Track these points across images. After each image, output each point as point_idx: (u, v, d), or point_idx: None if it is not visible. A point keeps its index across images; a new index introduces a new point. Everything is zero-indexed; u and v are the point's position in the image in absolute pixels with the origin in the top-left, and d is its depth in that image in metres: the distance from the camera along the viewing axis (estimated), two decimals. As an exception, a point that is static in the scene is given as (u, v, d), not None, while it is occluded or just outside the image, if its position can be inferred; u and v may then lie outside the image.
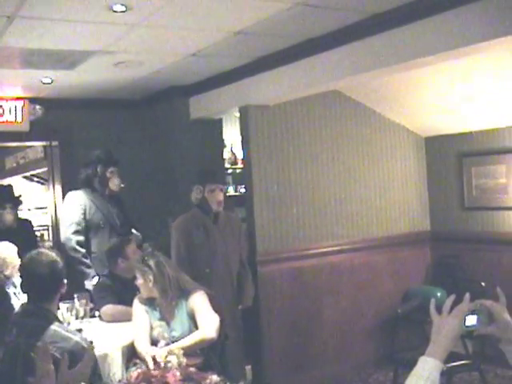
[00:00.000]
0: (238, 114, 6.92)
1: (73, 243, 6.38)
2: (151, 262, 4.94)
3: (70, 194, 6.74)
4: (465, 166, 7.30)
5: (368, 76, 5.48)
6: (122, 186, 6.74)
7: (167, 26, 4.91)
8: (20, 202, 7.01)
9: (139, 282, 4.97)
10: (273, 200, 6.60)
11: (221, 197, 6.02)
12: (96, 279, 6.02)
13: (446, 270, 7.44)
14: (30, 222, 7.30)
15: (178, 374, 3.30)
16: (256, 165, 6.53)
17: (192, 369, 3.42)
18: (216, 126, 7.70)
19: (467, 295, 2.47)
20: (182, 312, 4.89)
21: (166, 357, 4.19)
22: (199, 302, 4.91)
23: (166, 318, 4.91)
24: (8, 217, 6.69)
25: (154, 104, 8.01)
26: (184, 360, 4.12)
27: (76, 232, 6.45)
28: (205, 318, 4.82)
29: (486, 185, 7.13)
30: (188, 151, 7.39)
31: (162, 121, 7.89)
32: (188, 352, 4.57)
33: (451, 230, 7.51)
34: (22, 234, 6.58)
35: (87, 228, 6.54)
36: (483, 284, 6.53)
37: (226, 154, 8.55)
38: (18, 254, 5.59)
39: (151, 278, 4.90)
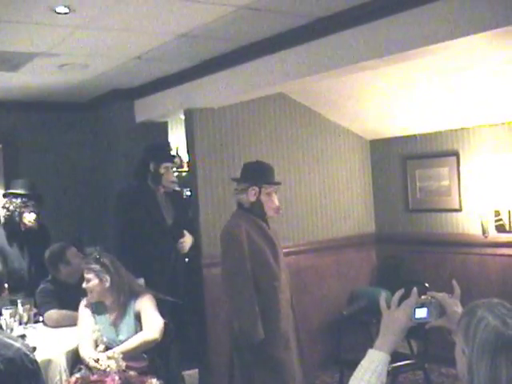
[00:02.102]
0: (183, 117, 6.89)
1: None
2: (107, 261, 4.87)
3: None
4: (409, 169, 7.38)
5: (313, 79, 5.50)
6: (176, 181, 6.46)
7: (111, 28, 4.87)
8: (42, 201, 6.37)
9: (93, 283, 4.82)
10: (218, 203, 6.59)
11: (277, 201, 5.13)
12: None
13: (391, 271, 7.50)
14: (47, 227, 6.62)
15: (116, 378, 3.28)
16: (201, 168, 6.52)
17: (132, 372, 3.41)
18: (161, 129, 7.66)
19: (415, 289, 2.51)
20: (130, 315, 4.84)
21: (98, 360, 4.17)
22: (146, 304, 4.87)
23: (114, 321, 4.86)
24: (30, 217, 6.17)
25: (99, 107, 7.96)
26: (123, 364, 4.09)
27: None
28: (149, 320, 4.78)
29: (430, 187, 7.21)
30: (133, 154, 7.34)
31: (107, 124, 7.84)
32: (132, 355, 4.56)
33: (396, 232, 7.58)
34: (41, 239, 6.17)
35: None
36: (427, 285, 6.59)
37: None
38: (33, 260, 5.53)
39: (108, 277, 4.82)
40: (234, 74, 5.96)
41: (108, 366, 4.21)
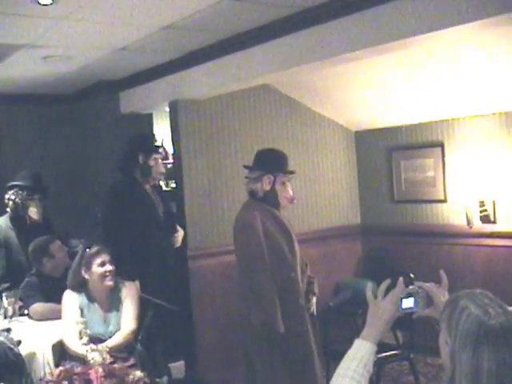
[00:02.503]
0: (168, 109, 6.88)
1: None
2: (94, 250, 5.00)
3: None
4: (394, 160, 7.39)
5: (298, 70, 5.50)
6: (164, 172, 6.16)
7: (95, 19, 4.84)
8: (48, 193, 6.29)
9: (113, 267, 4.96)
10: (203, 195, 6.59)
11: (291, 191, 4.95)
12: None
13: (377, 262, 7.53)
14: (51, 220, 6.57)
15: (100, 370, 3.28)
16: (186, 160, 6.51)
17: (116, 365, 3.41)
18: (146, 121, 7.65)
19: (401, 279, 2.52)
20: (118, 306, 4.92)
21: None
22: (129, 294, 5.00)
23: (104, 312, 4.92)
24: (36, 210, 6.13)
25: (83, 99, 7.92)
26: (108, 356, 4.10)
27: None
28: (128, 312, 4.92)
29: (415, 178, 7.22)
30: (118, 146, 7.31)
31: (92, 116, 7.81)
32: (119, 348, 4.61)
33: (381, 223, 7.60)
34: (46, 233, 6.00)
35: None
36: (412, 275, 6.60)
37: (157, 149, 8.50)
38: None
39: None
40: (218, 65, 5.95)
41: (92, 358, 4.23)
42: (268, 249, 4.67)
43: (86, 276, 4.93)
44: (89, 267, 4.93)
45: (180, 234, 6.07)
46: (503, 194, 6.25)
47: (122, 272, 5.12)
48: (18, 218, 6.09)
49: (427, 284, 2.55)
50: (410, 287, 2.52)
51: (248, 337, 4.83)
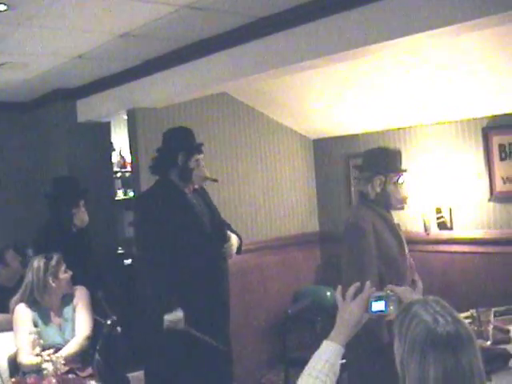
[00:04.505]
0: (125, 117, 6.85)
1: None
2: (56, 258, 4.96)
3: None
4: (352, 168, 7.41)
5: (255, 78, 5.51)
6: (207, 177, 5.16)
7: (52, 26, 4.80)
8: (88, 196, 6.05)
9: (65, 275, 4.95)
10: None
11: (405, 191, 4.56)
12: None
13: (336, 269, 7.52)
14: None
15: (54, 381, 3.24)
16: (144, 168, 6.45)
17: (70, 375, 3.38)
18: (104, 130, 7.60)
19: (368, 283, 2.54)
20: (71, 313, 4.89)
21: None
22: (80, 301, 4.99)
23: (59, 321, 4.88)
24: (84, 216, 5.92)
25: (40, 107, 7.85)
26: (62, 366, 4.06)
27: None
28: (81, 319, 4.91)
29: (373, 185, 7.25)
30: (75, 155, 7.26)
31: (49, 124, 7.74)
32: (74, 358, 4.57)
33: (340, 231, 7.54)
34: (86, 238, 5.99)
35: None
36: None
37: (115, 158, 8.46)
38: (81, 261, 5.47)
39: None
40: (176, 73, 5.94)
41: (45, 368, 4.18)
42: (379, 255, 4.29)
43: (54, 284, 4.88)
44: (56, 275, 4.90)
45: (233, 242, 5.07)
46: (460, 201, 6.30)
47: (170, 305, 4.64)
48: None
49: (400, 288, 2.56)
50: (383, 290, 2.55)
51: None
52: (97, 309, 5.14)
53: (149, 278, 4.76)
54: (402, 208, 4.60)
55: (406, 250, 4.52)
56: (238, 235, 5.23)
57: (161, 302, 4.66)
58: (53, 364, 4.12)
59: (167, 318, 4.60)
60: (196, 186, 5.07)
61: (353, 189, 7.41)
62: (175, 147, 4.96)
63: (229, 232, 5.06)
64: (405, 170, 4.53)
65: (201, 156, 5.00)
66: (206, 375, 4.79)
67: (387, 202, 4.45)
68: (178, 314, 4.60)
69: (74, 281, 5.11)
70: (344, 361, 4.45)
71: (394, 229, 4.46)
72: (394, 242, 4.41)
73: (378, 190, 4.40)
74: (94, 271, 5.99)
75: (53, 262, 4.93)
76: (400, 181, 4.46)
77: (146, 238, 4.86)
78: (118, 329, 5.28)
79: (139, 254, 5.03)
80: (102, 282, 5.91)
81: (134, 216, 5.19)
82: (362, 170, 4.54)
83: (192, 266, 4.76)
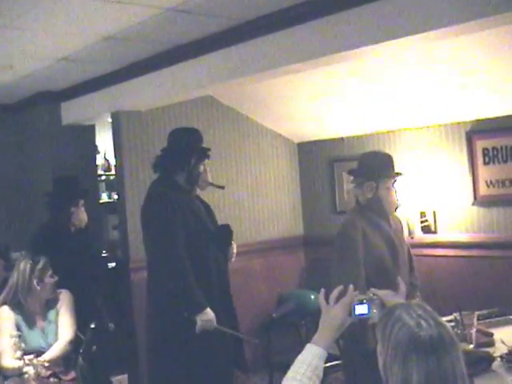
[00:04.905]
0: (110, 120, 6.83)
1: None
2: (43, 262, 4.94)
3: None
4: (336, 171, 7.43)
5: (240, 82, 5.52)
6: (210, 182, 5.05)
7: (36, 29, 4.77)
8: (88, 196, 6.01)
9: (51, 280, 4.92)
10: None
11: (396, 196, 4.48)
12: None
13: (320, 273, 7.54)
14: None
15: (34, 385, 3.23)
16: (128, 171, 6.46)
17: (52, 379, 3.36)
18: (88, 132, 7.57)
19: (351, 286, 2.54)
20: (54, 316, 4.86)
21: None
22: (63, 304, 4.97)
23: (42, 325, 4.84)
24: (83, 216, 5.86)
25: (24, 109, 7.81)
26: (43, 370, 4.04)
27: None
28: (64, 322, 4.88)
29: (357, 189, 7.27)
30: (60, 157, 7.23)
31: (33, 126, 7.70)
32: (57, 362, 4.55)
33: (324, 234, 7.62)
34: (87, 239, 5.93)
35: None
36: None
37: (99, 161, 8.44)
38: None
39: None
40: (161, 76, 5.93)
41: (26, 372, 4.15)
42: (367, 262, 4.22)
43: (38, 287, 4.85)
44: (41, 279, 4.88)
45: (234, 246, 5.06)
46: (443, 205, 6.33)
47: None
48: None
49: (382, 291, 2.57)
50: (366, 294, 2.55)
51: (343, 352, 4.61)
52: (96, 314, 5.30)
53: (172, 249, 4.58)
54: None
55: (402, 258, 4.47)
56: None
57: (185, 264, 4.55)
58: (34, 368, 4.10)
59: (200, 318, 4.51)
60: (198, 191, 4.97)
61: (337, 192, 7.43)
62: (188, 149, 4.82)
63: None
64: (398, 174, 4.48)
65: (208, 161, 4.94)
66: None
67: (380, 208, 4.40)
68: (209, 314, 4.53)
69: (70, 282, 5.12)
70: (328, 364, 4.47)
71: (386, 235, 4.40)
72: (385, 250, 4.34)
73: (370, 195, 4.36)
74: (92, 273, 5.94)
75: (39, 265, 4.91)
76: (392, 186, 4.42)
77: (169, 226, 4.63)
78: (111, 325, 5.30)
79: (157, 243, 4.73)
80: (100, 285, 5.89)
81: (146, 214, 4.88)
82: (355, 174, 4.52)
83: (197, 267, 4.64)
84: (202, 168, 4.84)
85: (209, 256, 4.74)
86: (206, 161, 4.91)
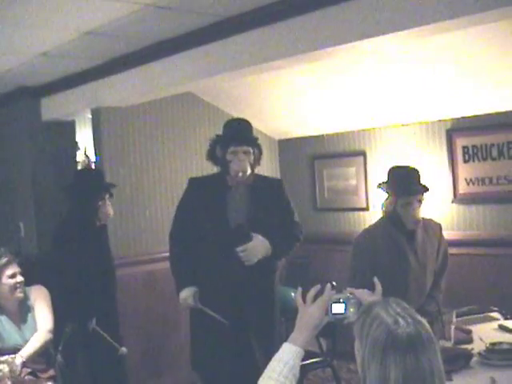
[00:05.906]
0: (90, 116, 6.80)
1: None
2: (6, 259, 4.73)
3: None
4: (317, 168, 7.45)
5: (220, 78, 5.51)
6: (245, 172, 4.64)
7: (15, 23, 4.73)
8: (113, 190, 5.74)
9: (21, 279, 4.70)
10: (126, 203, 6.52)
11: (419, 212, 4.41)
12: None
13: (299, 270, 7.55)
14: None
15: (8, 383, 3.20)
16: (108, 167, 6.44)
17: (27, 377, 3.33)
18: (69, 128, 7.53)
19: (328, 285, 2.54)
20: (30, 311, 4.77)
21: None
22: (38, 297, 4.82)
23: (18, 321, 4.72)
24: (110, 210, 5.58)
25: (3, 105, 7.74)
26: (18, 368, 4.00)
27: None
28: (41, 316, 4.75)
29: (337, 186, 7.30)
30: (39, 153, 7.18)
31: (12, 123, 7.65)
32: (35, 359, 4.50)
33: (304, 231, 7.62)
34: (105, 235, 5.72)
35: None
36: (335, 283, 6.65)
37: (80, 157, 8.40)
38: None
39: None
40: (142, 72, 5.91)
41: (0, 370, 4.10)
42: (374, 273, 3.69)
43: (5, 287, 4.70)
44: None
45: (251, 246, 4.56)
46: (424, 202, 6.34)
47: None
48: None
49: (359, 290, 2.57)
50: (343, 293, 2.55)
51: None
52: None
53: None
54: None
55: (413, 275, 4.43)
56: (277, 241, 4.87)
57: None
58: (8, 365, 4.06)
59: (181, 294, 4.64)
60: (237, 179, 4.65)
61: (318, 190, 7.44)
62: (216, 139, 4.75)
63: (255, 235, 4.56)
64: (418, 192, 4.41)
65: (238, 149, 4.60)
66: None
67: (399, 223, 4.40)
68: (190, 289, 4.60)
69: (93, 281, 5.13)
70: (308, 361, 4.46)
71: (401, 251, 4.40)
72: (395, 265, 4.36)
73: (390, 209, 4.42)
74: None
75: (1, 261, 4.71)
76: (416, 202, 4.38)
77: (178, 208, 4.90)
78: (124, 349, 5.19)
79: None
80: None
81: None
82: (381, 186, 4.56)
83: (203, 258, 4.67)
84: (229, 157, 4.59)
85: (216, 251, 4.60)
86: (235, 148, 4.62)
